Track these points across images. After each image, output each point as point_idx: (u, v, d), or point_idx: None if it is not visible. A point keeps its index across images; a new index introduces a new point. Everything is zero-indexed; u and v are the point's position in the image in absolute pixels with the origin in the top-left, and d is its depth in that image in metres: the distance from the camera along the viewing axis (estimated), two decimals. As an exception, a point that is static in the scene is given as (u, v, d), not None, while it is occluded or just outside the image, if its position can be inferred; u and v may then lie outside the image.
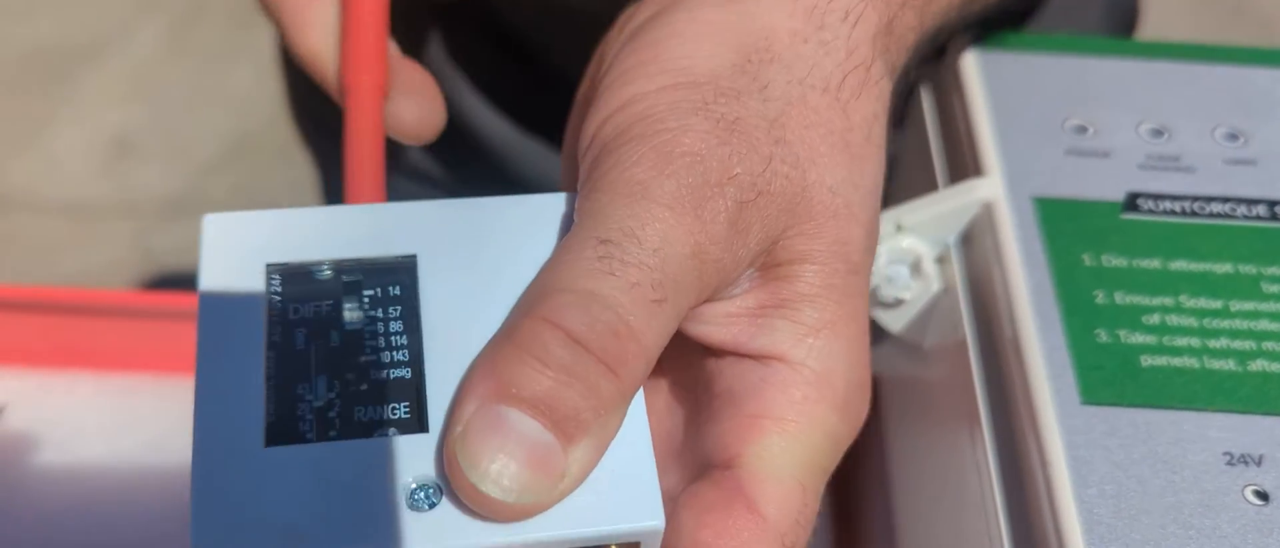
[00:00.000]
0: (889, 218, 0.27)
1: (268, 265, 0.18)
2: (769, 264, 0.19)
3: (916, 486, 0.31)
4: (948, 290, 0.27)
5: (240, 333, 0.18)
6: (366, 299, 0.18)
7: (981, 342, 0.25)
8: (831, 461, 0.19)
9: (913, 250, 0.27)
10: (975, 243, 0.27)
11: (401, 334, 0.18)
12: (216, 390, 0.18)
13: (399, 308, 0.18)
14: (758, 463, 0.18)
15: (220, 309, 0.18)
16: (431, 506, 0.16)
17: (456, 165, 0.48)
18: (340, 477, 0.16)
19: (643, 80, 0.19)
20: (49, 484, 0.37)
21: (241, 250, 0.18)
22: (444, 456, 0.16)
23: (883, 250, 0.27)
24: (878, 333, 0.30)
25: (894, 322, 0.29)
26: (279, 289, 0.18)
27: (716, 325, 0.19)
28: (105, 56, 1.47)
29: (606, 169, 0.18)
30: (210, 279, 0.18)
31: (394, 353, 0.18)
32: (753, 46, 0.19)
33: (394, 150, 0.52)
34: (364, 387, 0.18)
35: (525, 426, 0.16)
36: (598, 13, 0.40)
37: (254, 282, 0.18)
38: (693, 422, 0.20)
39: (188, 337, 0.39)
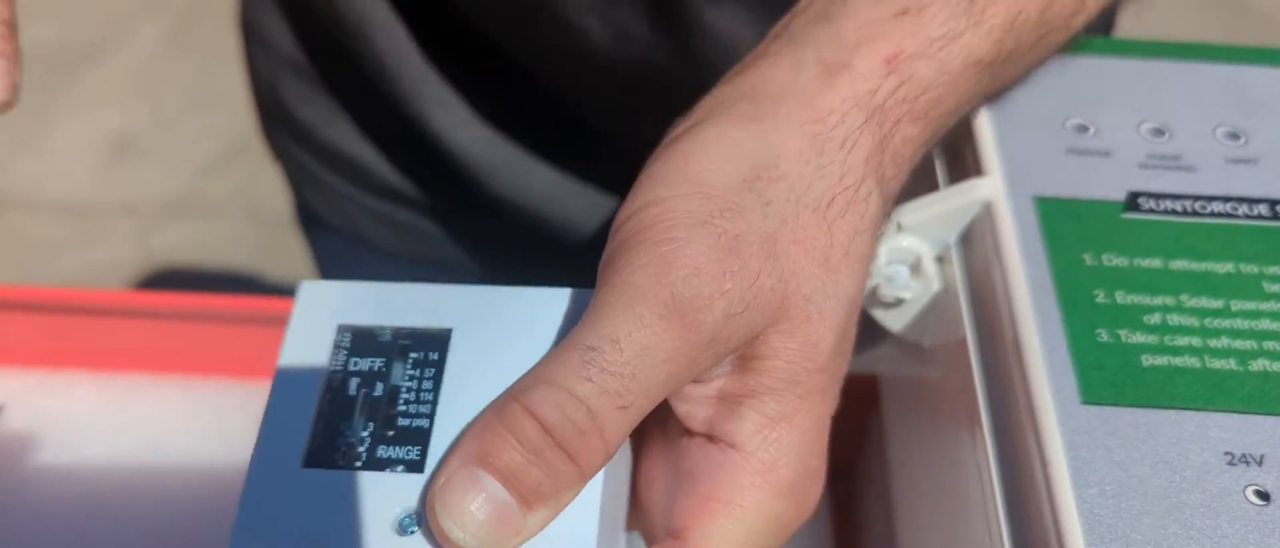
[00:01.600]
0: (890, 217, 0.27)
1: (339, 326, 0.23)
2: (746, 356, 0.22)
3: (916, 485, 0.31)
4: (948, 290, 0.27)
5: (308, 376, 0.23)
6: (411, 361, 0.23)
7: (981, 341, 0.25)
8: (774, 541, 0.22)
9: (913, 250, 0.27)
10: (975, 242, 0.27)
11: (430, 392, 0.22)
12: (280, 417, 0.22)
13: (433, 370, 0.23)
14: (703, 541, 0.22)
15: (297, 356, 0.23)
16: (411, 533, 0.21)
17: (429, 184, 0.48)
18: (351, 498, 0.21)
19: (665, 186, 0.22)
20: (48, 484, 0.37)
21: (322, 312, 0.24)
22: (427, 498, 0.20)
23: (883, 250, 0.27)
24: (878, 332, 0.30)
25: (894, 321, 0.29)
26: (346, 345, 0.23)
27: (695, 404, 0.23)
28: (106, 56, 1.47)
29: (619, 267, 0.21)
30: (294, 333, 0.23)
31: (420, 406, 0.22)
32: (764, 164, 0.22)
33: (362, 170, 0.51)
34: (391, 431, 0.22)
35: (494, 488, 0.19)
36: (576, 32, 0.40)
37: (326, 337, 0.23)
38: (666, 490, 0.23)
39: (187, 336, 0.39)
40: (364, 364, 0.23)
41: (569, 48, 0.40)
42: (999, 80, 0.26)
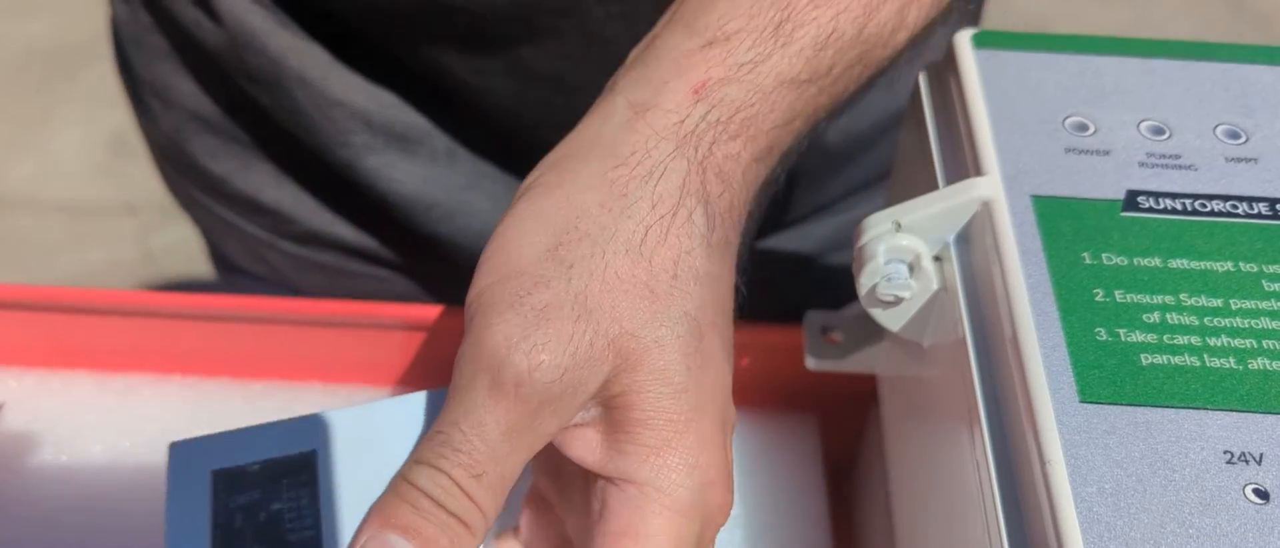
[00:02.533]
0: (888, 216, 0.27)
1: (212, 473, 0.26)
2: (607, 401, 0.24)
3: (916, 485, 0.31)
4: (946, 289, 0.27)
5: (196, 523, 0.25)
6: (285, 485, 0.26)
7: (979, 340, 0.25)
8: None
9: (912, 249, 0.27)
10: (974, 241, 0.27)
11: (309, 507, 0.25)
12: None
13: (307, 489, 0.26)
14: None
15: (182, 508, 0.26)
16: None
17: (358, 226, 0.48)
18: None
19: (486, 273, 0.25)
20: (48, 483, 0.37)
21: (195, 464, 0.26)
22: None
23: (882, 249, 0.27)
24: (877, 331, 0.30)
25: (893, 321, 0.29)
26: (223, 487, 0.26)
27: (586, 451, 0.25)
28: (105, 56, 1.47)
29: (457, 359, 0.24)
30: (174, 489, 0.26)
31: (303, 521, 0.25)
32: (565, 229, 0.25)
33: (284, 217, 0.50)
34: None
35: (401, 543, 0.23)
36: (521, 68, 0.40)
37: (204, 486, 0.26)
38: (582, 533, 0.26)
39: (187, 335, 0.39)
40: (243, 499, 0.26)
41: (515, 81, 0.41)
42: (828, 94, 0.28)
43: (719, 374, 0.25)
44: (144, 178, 1.32)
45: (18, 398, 0.40)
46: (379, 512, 0.24)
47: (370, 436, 0.27)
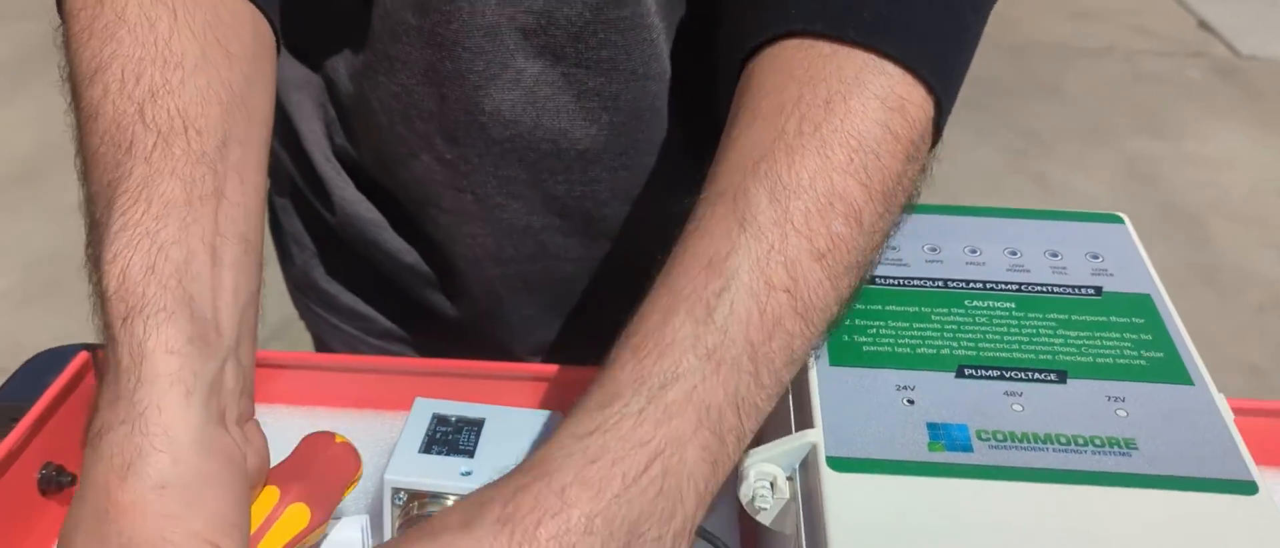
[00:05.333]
0: (758, 453, 0.42)
1: (433, 414, 0.50)
2: None
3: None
4: (794, 497, 0.42)
5: (417, 435, 0.50)
6: (465, 428, 0.50)
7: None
8: None
9: (771, 473, 0.42)
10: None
11: (472, 442, 0.49)
12: (411, 431, 0.50)
13: (476, 433, 0.50)
14: None
15: (412, 429, 0.50)
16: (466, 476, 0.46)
17: (422, 332, 0.71)
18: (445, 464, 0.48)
19: None
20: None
21: (424, 409, 0.50)
22: None
23: (753, 472, 0.41)
24: (758, 524, 0.43)
25: (764, 518, 0.43)
26: (436, 421, 0.50)
27: None
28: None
29: None
30: (411, 419, 0.50)
31: (469, 446, 0.49)
32: None
33: (370, 321, 0.75)
34: (455, 446, 0.49)
35: None
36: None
37: (427, 417, 0.50)
38: None
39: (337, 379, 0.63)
40: (442, 430, 0.48)
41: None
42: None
43: None
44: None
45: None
46: None
47: (511, 423, 0.49)
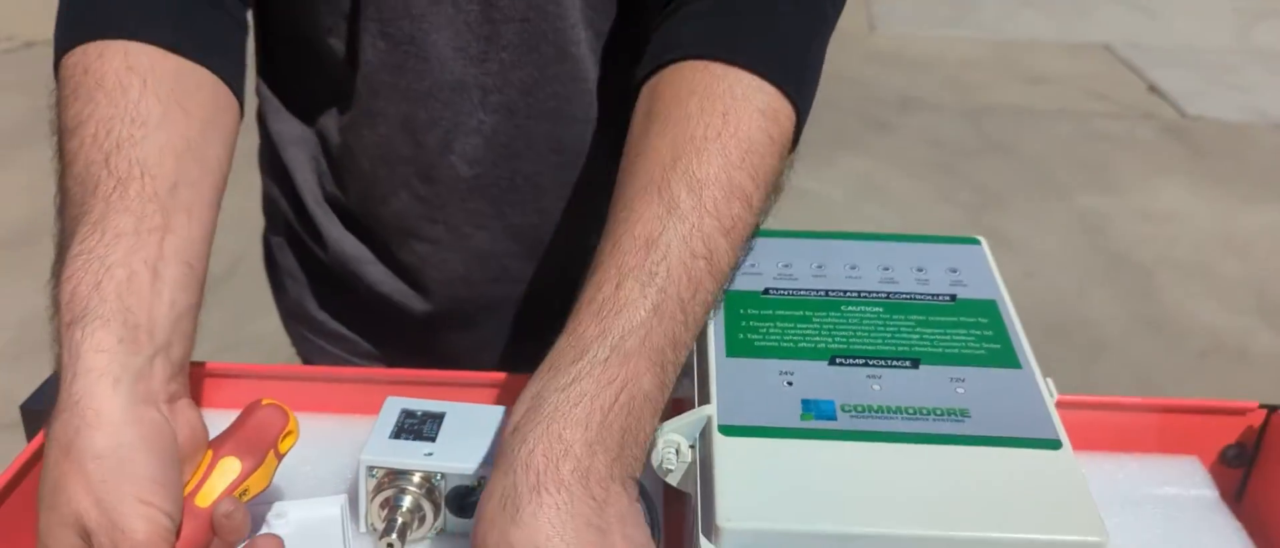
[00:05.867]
0: (666, 426, 0.51)
1: (401, 409, 0.67)
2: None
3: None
4: (694, 461, 0.51)
5: (387, 427, 0.63)
6: (427, 421, 0.61)
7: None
8: None
9: (676, 441, 0.51)
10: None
11: (433, 431, 0.58)
12: (382, 425, 0.61)
13: (437, 425, 0.60)
14: None
15: (383, 422, 0.76)
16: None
17: (402, 354, 0.81)
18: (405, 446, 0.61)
19: None
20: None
21: (393, 406, 0.62)
22: None
23: (661, 441, 0.51)
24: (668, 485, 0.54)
25: (672, 479, 0.52)
26: (403, 415, 0.61)
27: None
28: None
29: None
30: (383, 414, 0.73)
31: (430, 435, 0.59)
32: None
33: (354, 343, 0.84)
34: (418, 431, 0.64)
35: None
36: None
37: (396, 412, 0.65)
38: None
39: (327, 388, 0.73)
40: (409, 422, 0.57)
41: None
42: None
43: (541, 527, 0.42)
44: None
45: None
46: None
47: (466, 416, 0.57)
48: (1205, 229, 3.03)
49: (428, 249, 0.74)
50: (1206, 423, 0.67)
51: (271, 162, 0.79)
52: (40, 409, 0.61)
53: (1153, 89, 4.27)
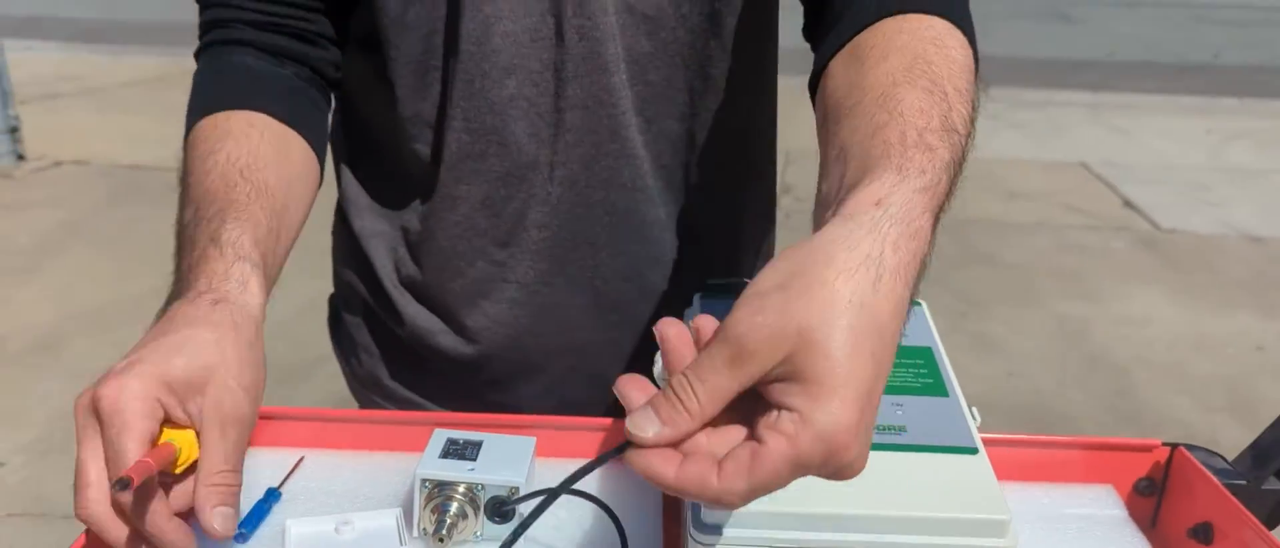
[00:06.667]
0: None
1: (446, 439, 0.83)
2: (791, 365, 0.43)
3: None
4: None
5: (435, 451, 0.77)
6: (468, 448, 0.76)
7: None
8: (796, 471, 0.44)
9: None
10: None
11: (473, 456, 0.85)
12: (434, 449, 0.73)
13: (476, 451, 0.86)
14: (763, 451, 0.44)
15: (433, 449, 0.84)
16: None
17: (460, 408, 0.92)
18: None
19: (747, 289, 0.46)
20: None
21: (441, 437, 0.74)
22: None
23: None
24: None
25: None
26: (449, 443, 0.76)
27: (775, 391, 0.45)
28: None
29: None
30: (432, 442, 0.80)
31: (472, 458, 0.86)
32: (790, 272, 0.46)
33: (418, 406, 0.97)
34: (464, 453, 0.75)
35: (649, 412, 0.47)
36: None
37: (442, 442, 0.79)
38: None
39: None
40: (453, 447, 0.67)
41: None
42: (947, 187, 0.52)
43: (864, 371, 0.43)
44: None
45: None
46: (650, 394, 0.45)
47: (499, 443, 0.67)
48: (1179, 333, 3.17)
49: (499, 309, 0.86)
50: (1119, 459, 0.81)
51: (352, 253, 0.91)
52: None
53: (1128, 204, 4.47)
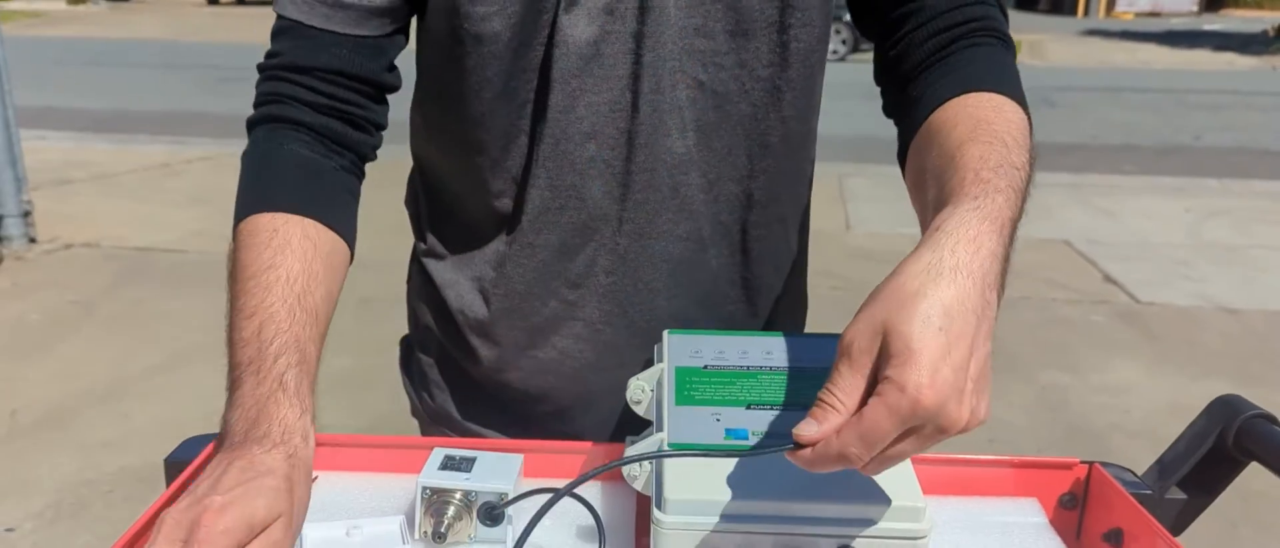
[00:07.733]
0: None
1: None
2: (887, 353, 0.60)
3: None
4: (650, 471, 0.85)
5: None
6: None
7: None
8: (902, 421, 0.59)
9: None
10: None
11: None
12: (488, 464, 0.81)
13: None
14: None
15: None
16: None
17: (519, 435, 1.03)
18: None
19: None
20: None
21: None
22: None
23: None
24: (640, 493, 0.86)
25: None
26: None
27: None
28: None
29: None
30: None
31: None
32: (892, 291, 0.63)
33: (479, 435, 1.07)
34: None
35: (811, 420, 0.65)
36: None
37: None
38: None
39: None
40: (452, 460, 0.83)
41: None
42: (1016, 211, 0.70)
43: (935, 342, 0.58)
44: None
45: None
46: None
47: (491, 458, 0.82)
48: (1156, 401, 3.26)
49: (567, 343, 0.98)
50: (1043, 475, 0.91)
51: (430, 298, 1.03)
52: (185, 461, 0.84)
53: (1109, 279, 4.60)
